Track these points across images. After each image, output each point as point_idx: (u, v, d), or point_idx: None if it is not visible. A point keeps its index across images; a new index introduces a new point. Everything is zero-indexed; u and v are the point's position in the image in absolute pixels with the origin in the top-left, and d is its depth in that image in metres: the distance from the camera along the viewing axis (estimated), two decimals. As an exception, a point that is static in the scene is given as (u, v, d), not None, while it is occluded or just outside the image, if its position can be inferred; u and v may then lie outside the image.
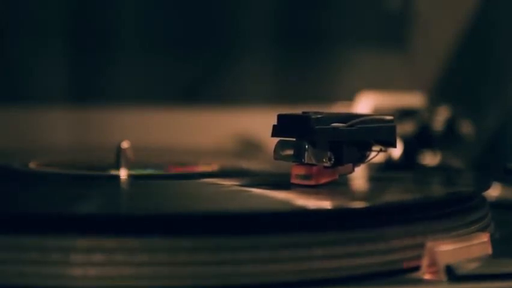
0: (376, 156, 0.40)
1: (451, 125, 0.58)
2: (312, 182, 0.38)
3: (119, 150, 0.45)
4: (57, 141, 0.69)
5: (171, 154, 0.58)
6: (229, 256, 0.30)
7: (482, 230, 0.37)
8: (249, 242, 0.31)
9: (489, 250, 0.35)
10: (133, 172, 0.44)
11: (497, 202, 0.48)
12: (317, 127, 0.37)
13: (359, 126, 0.38)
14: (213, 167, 0.47)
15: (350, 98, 0.64)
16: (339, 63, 0.76)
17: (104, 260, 0.29)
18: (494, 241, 0.35)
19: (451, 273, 0.31)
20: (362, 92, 0.63)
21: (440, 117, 0.58)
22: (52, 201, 0.36)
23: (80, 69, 0.71)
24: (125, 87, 0.72)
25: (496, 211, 0.41)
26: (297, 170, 0.38)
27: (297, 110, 0.39)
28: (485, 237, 0.35)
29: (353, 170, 0.40)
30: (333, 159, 0.38)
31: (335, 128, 0.37)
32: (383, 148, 0.40)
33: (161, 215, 0.32)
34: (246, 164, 0.51)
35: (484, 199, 0.41)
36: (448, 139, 0.58)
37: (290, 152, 0.38)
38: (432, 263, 0.32)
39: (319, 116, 0.37)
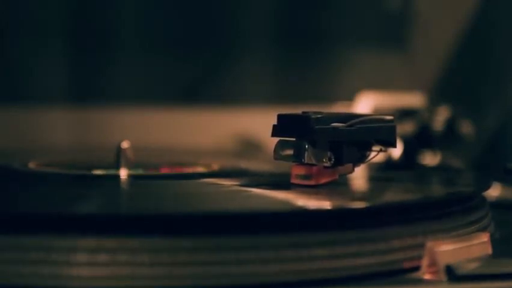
0: (376, 156, 0.40)
1: (451, 125, 0.58)
2: (312, 182, 0.38)
3: (119, 150, 0.45)
4: (57, 141, 0.69)
5: (171, 154, 0.58)
6: (229, 256, 0.30)
7: (482, 230, 0.37)
8: (249, 242, 0.31)
9: (489, 250, 0.35)
10: (119, 171, 0.44)
11: (497, 202, 0.48)
12: (317, 127, 0.37)
13: (358, 126, 0.38)
14: (204, 168, 0.47)
15: (350, 98, 0.64)
16: (339, 63, 0.76)
17: (104, 260, 0.29)
18: (494, 241, 0.35)
19: (451, 273, 0.31)
20: (362, 92, 0.63)
21: (440, 117, 0.58)
22: (52, 201, 0.36)
23: (80, 69, 0.71)
24: (125, 87, 0.72)
25: (496, 211, 0.41)
26: (297, 170, 0.38)
27: (297, 110, 0.39)
28: (485, 237, 0.35)
29: (353, 170, 0.40)
30: (333, 159, 0.38)
31: (334, 128, 0.37)
32: (383, 148, 0.40)
33: (161, 215, 0.32)
34: (246, 164, 0.51)
35: (484, 199, 0.41)
36: (447, 139, 0.58)
37: (290, 152, 0.38)
38: (432, 263, 0.32)
39: (319, 116, 0.37)
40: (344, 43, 0.76)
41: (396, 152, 0.54)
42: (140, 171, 0.45)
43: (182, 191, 0.40)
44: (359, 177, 0.44)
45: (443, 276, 0.32)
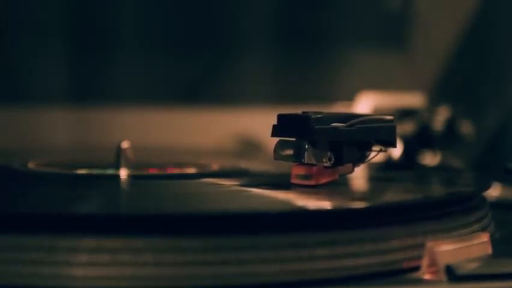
0: (376, 156, 0.40)
1: (451, 125, 0.58)
2: (312, 182, 0.38)
3: (119, 150, 0.45)
4: (57, 141, 0.69)
5: (171, 154, 0.58)
6: (229, 256, 0.30)
7: (482, 230, 0.37)
8: (249, 242, 0.31)
9: (489, 250, 0.35)
10: (99, 172, 0.44)
11: (497, 202, 0.48)
12: (317, 127, 0.37)
13: (358, 126, 0.38)
14: (192, 169, 0.47)
15: (350, 98, 0.64)
16: (339, 63, 0.76)
17: (104, 260, 0.29)
18: (494, 241, 0.35)
19: (451, 273, 0.31)
20: (362, 92, 0.63)
21: (440, 117, 0.58)
22: (52, 201, 0.36)
23: (80, 69, 0.71)
24: (125, 87, 0.72)
25: (496, 211, 0.41)
26: (297, 170, 0.38)
27: (297, 110, 0.39)
28: (485, 237, 0.35)
29: (353, 170, 0.40)
30: (333, 159, 0.38)
31: (334, 128, 0.37)
32: (383, 148, 0.40)
33: (161, 215, 0.32)
34: (246, 164, 0.51)
35: (484, 199, 0.41)
36: (447, 139, 0.58)
37: (290, 152, 0.38)
38: (432, 263, 0.32)
39: (319, 116, 0.37)
40: (344, 43, 0.76)
41: (396, 152, 0.54)
42: (132, 171, 0.45)
43: (182, 191, 0.40)
44: (359, 177, 0.44)
45: (443, 276, 0.32)
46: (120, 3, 0.73)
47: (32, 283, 0.29)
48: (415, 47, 0.76)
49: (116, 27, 0.72)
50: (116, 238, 0.30)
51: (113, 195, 0.38)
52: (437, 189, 0.44)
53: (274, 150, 0.39)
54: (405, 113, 0.58)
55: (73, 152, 0.63)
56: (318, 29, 0.76)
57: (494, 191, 0.49)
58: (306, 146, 0.37)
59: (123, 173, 0.44)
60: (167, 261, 0.30)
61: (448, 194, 0.40)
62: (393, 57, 0.76)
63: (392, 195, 0.40)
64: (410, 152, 0.55)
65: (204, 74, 0.75)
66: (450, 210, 0.36)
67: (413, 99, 0.61)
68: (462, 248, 0.33)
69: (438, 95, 0.68)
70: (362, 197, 0.40)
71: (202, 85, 0.75)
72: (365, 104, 0.61)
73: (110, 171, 0.44)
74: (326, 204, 0.34)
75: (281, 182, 0.39)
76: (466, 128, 0.58)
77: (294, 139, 0.38)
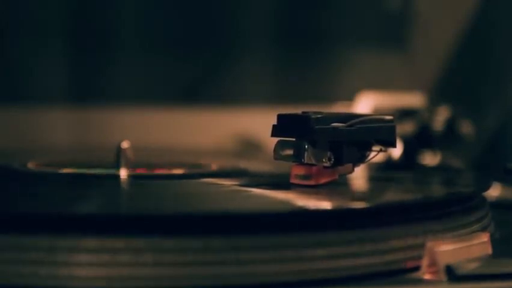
0: (376, 156, 0.40)
1: (451, 125, 0.58)
2: (311, 182, 0.38)
3: (119, 150, 0.45)
4: (57, 141, 0.69)
5: (171, 154, 0.58)
6: (229, 256, 0.30)
7: (482, 230, 0.37)
8: (249, 242, 0.31)
9: (489, 250, 0.35)
10: (99, 172, 0.44)
11: (497, 202, 0.48)
12: (317, 127, 0.37)
13: (358, 126, 0.38)
14: (180, 170, 0.47)
15: (350, 98, 0.64)
16: (339, 63, 0.76)
17: (104, 260, 0.29)
18: (494, 241, 0.35)
19: (451, 273, 0.31)
20: (362, 92, 0.63)
21: (440, 117, 0.58)
22: (52, 201, 0.36)
23: (80, 69, 0.71)
24: (125, 87, 0.72)
25: (496, 211, 0.41)
26: (297, 170, 0.38)
27: (297, 110, 0.39)
28: (485, 237, 0.35)
29: (352, 170, 0.40)
30: (333, 159, 0.38)
31: (334, 128, 0.37)
32: (383, 148, 0.40)
33: (162, 215, 0.32)
34: (246, 164, 0.51)
35: (484, 199, 0.41)
36: (448, 139, 0.58)
37: (290, 152, 0.38)
38: (432, 263, 0.32)
39: (319, 116, 0.37)
40: (344, 43, 0.76)
41: (396, 152, 0.54)
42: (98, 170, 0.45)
43: (182, 191, 0.40)
44: (359, 177, 0.44)
45: (443, 276, 0.32)
46: (120, 3, 0.73)
47: (32, 283, 0.29)
48: (415, 47, 0.76)
49: (116, 27, 0.72)
50: (116, 238, 0.30)
51: (113, 195, 0.38)
52: (437, 189, 0.44)
53: (274, 150, 0.39)
54: (405, 113, 0.58)
55: (73, 152, 0.63)
56: (318, 29, 0.76)
57: (494, 191, 0.49)
58: (306, 146, 0.37)
59: (123, 173, 0.44)
60: (167, 261, 0.30)
61: (448, 194, 0.40)
62: (393, 57, 0.76)
63: (392, 195, 0.40)
64: (410, 152, 0.55)
65: (204, 74, 0.75)
66: (450, 210, 0.36)
67: (413, 99, 0.61)
68: (462, 248, 0.33)
69: (438, 95, 0.68)
70: (362, 197, 0.40)
71: (202, 85, 0.75)
72: (365, 104, 0.61)
73: (110, 171, 0.44)
74: (325, 204, 0.34)
75: (281, 182, 0.39)
76: (466, 128, 0.58)
77: (294, 139, 0.38)
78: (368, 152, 0.39)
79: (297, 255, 0.31)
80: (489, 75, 0.70)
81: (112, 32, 0.72)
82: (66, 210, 0.33)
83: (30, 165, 0.48)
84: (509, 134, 0.67)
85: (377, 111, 0.59)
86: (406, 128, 0.57)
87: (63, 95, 0.70)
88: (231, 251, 0.30)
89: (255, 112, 0.71)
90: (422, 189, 0.44)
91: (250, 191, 0.37)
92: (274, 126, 0.38)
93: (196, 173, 0.46)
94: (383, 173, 0.49)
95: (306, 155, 0.37)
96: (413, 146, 0.56)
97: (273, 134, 0.38)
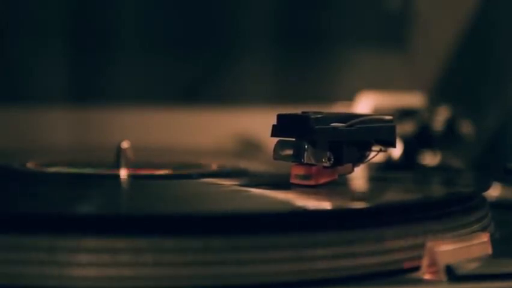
0: (376, 156, 0.40)
1: (451, 125, 0.58)
2: (311, 182, 0.38)
3: (119, 150, 0.45)
4: (57, 141, 0.69)
5: (171, 154, 0.58)
6: (229, 256, 0.30)
7: (482, 230, 0.37)
8: (249, 242, 0.31)
9: (489, 250, 0.35)
10: (99, 172, 0.44)
11: (497, 202, 0.48)
12: (317, 127, 0.37)
13: (358, 126, 0.38)
14: (180, 170, 0.47)
15: (350, 98, 0.64)
16: (339, 63, 0.76)
17: (104, 260, 0.29)
18: (494, 241, 0.35)
19: (451, 273, 0.31)
20: (362, 92, 0.63)
21: (440, 117, 0.58)
22: (52, 201, 0.36)
23: (80, 69, 0.71)
24: (125, 87, 0.72)
25: (496, 211, 0.41)
26: (297, 170, 0.38)
27: (297, 110, 0.39)
28: (485, 237, 0.35)
29: (352, 170, 0.40)
30: (332, 159, 0.38)
31: (334, 128, 0.37)
32: (383, 148, 0.40)
33: (162, 215, 0.32)
34: (245, 164, 0.51)
35: (484, 199, 0.41)
36: (448, 139, 0.58)
37: (290, 152, 0.38)
38: (432, 263, 0.32)
39: (319, 116, 0.37)
40: (344, 43, 0.76)
41: (396, 152, 0.54)
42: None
43: (182, 191, 0.40)
44: (359, 177, 0.44)
45: (443, 276, 0.32)
46: (120, 3, 0.73)
47: (32, 283, 0.29)
48: (415, 47, 0.76)
49: (116, 27, 0.72)
50: (116, 238, 0.30)
51: (113, 195, 0.38)
52: (437, 189, 0.44)
53: (274, 150, 0.39)
54: (405, 113, 0.58)
55: (73, 152, 0.63)
56: (318, 29, 0.76)
57: (494, 191, 0.49)
58: (306, 146, 0.37)
59: (123, 173, 0.44)
60: (167, 261, 0.30)
61: (448, 194, 0.40)
62: (393, 57, 0.76)
63: (392, 195, 0.40)
64: (410, 152, 0.55)
65: (204, 74, 0.75)
66: (450, 210, 0.36)
67: (413, 99, 0.61)
68: (462, 248, 0.33)
69: (438, 95, 0.68)
70: (362, 197, 0.40)
71: (202, 85, 0.75)
72: (365, 104, 0.61)
73: (110, 171, 0.44)
74: (325, 204, 0.34)
75: (281, 182, 0.39)
76: (466, 128, 0.58)
77: (293, 139, 0.38)
78: (368, 152, 0.39)
79: (297, 255, 0.31)
80: (489, 75, 0.70)
81: (112, 32, 0.72)
82: (66, 210, 0.33)
83: (30, 165, 0.48)
84: (509, 134, 0.67)
85: (377, 111, 0.59)
86: (406, 128, 0.57)
87: (63, 95, 0.70)
88: (231, 251, 0.30)
89: (255, 112, 0.71)
90: (422, 189, 0.44)
91: (250, 191, 0.37)
92: (274, 126, 0.38)
93: (196, 173, 0.46)
94: (383, 173, 0.49)
95: (305, 155, 0.37)
96: (413, 146, 0.56)
97: (273, 134, 0.38)
